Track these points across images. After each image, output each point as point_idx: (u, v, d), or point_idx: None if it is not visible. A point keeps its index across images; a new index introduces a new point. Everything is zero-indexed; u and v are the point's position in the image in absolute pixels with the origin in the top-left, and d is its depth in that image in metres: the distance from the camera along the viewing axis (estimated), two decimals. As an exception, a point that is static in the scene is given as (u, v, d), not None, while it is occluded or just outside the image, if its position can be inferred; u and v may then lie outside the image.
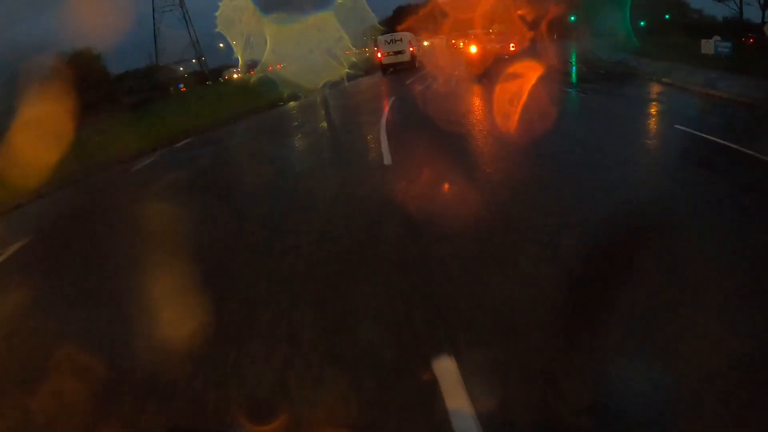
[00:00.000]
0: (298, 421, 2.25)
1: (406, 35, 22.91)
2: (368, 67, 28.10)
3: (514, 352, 2.51)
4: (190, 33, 52.88)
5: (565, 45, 32.61)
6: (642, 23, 32.66)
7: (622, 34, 31.05)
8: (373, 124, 10.18)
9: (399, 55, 21.94)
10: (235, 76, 42.34)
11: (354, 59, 27.78)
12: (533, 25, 30.88)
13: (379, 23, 32.13)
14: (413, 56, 22.53)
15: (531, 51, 25.74)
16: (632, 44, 23.61)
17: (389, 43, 22.14)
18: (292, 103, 17.93)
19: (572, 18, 38.97)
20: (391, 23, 36.03)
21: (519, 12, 31.42)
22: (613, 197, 4.76)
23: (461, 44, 33.02)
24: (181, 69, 49.08)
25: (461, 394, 2.23)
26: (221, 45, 38.49)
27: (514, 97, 11.14)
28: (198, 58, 49.14)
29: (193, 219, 5.79)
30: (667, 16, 31.62)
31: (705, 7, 34.35)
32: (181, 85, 44.43)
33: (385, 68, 22.12)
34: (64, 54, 23.82)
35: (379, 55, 22.41)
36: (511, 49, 24.11)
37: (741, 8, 27.49)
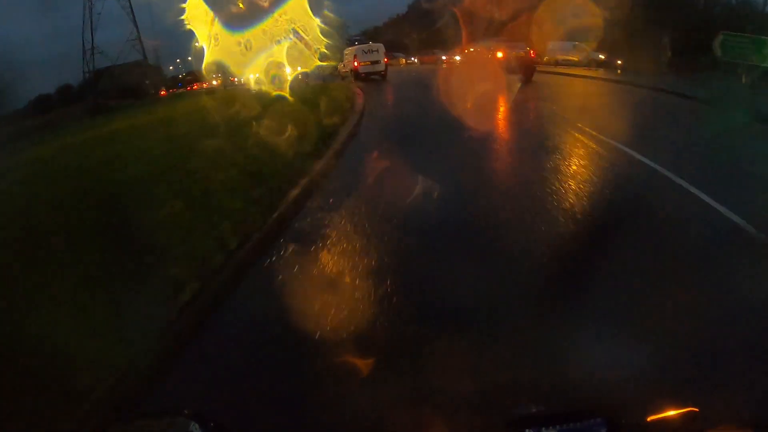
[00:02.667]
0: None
1: (381, 46, 24.42)
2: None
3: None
4: (136, 26, 39.83)
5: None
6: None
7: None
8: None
9: (375, 65, 23.63)
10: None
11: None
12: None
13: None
14: (387, 66, 24.47)
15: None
16: None
17: (366, 53, 23.79)
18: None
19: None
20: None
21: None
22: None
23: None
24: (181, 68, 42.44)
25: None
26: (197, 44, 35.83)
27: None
28: (142, 61, 40.31)
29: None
30: None
31: None
32: (182, 86, 39.53)
33: (359, 75, 23.77)
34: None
35: (355, 63, 24.02)
36: None
37: None
